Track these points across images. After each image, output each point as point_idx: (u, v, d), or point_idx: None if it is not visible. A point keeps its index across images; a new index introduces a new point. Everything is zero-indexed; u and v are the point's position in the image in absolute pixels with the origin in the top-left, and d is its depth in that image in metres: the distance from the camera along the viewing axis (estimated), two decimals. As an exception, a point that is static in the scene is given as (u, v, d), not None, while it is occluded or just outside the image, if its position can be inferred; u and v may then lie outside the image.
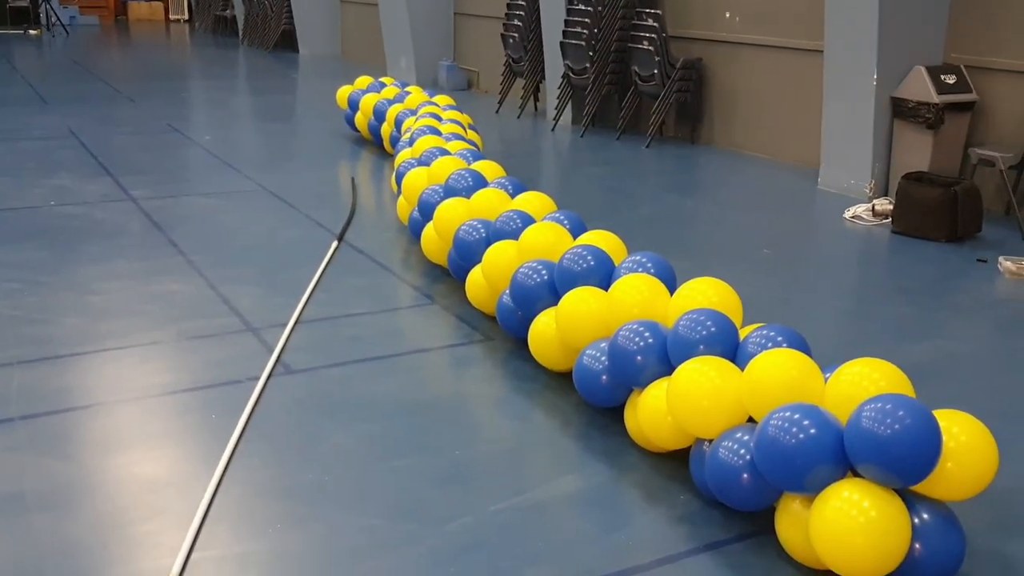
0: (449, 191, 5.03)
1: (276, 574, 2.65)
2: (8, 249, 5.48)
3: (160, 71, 15.20)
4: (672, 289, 3.57)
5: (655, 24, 8.88)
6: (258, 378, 3.84)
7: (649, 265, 3.68)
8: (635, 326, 3.26)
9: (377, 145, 8.57)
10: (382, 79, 9.03)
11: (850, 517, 2.43)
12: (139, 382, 3.83)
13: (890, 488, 2.49)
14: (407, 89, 8.51)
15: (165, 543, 2.77)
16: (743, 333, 3.20)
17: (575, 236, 4.16)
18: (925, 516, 2.51)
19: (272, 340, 4.24)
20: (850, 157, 7.12)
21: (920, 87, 6.64)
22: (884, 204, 6.48)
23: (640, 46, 8.96)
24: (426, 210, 5.09)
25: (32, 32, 20.66)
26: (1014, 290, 5.17)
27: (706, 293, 3.38)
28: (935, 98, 6.56)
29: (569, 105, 9.94)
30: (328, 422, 3.52)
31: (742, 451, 2.73)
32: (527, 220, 4.30)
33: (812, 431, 2.53)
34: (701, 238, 6.34)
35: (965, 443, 2.54)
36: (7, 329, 4.32)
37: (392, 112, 7.94)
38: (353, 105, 8.83)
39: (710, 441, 2.92)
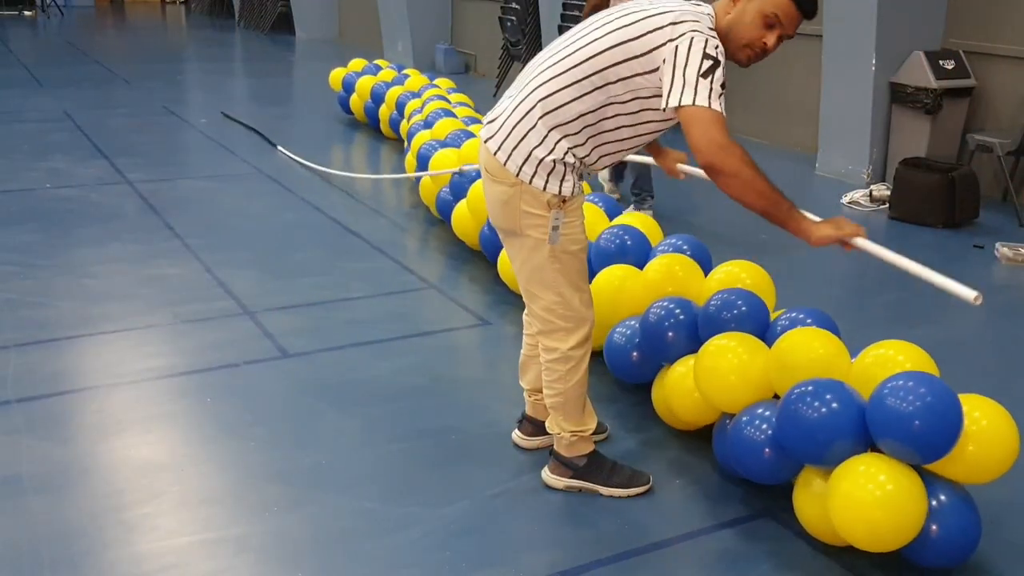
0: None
1: (272, 557, 2.65)
2: (3, 232, 5.46)
3: (156, 53, 15.13)
4: (707, 271, 3.61)
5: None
6: (254, 362, 3.84)
7: (685, 247, 3.70)
8: (667, 303, 3.30)
9: (372, 127, 8.54)
10: (377, 61, 8.99)
11: (867, 491, 2.45)
12: (135, 365, 3.83)
13: (909, 464, 2.50)
14: (405, 72, 8.47)
15: (161, 526, 2.77)
16: (773, 316, 3.22)
17: (611, 219, 4.22)
18: (943, 498, 2.52)
19: (268, 324, 4.24)
20: (848, 142, 7.11)
21: (919, 72, 6.63)
22: (882, 190, 6.47)
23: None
24: (458, 190, 5.15)
25: (27, 13, 20.54)
26: (1011, 276, 5.17)
27: (739, 276, 3.42)
28: (933, 83, 6.55)
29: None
30: (324, 406, 3.52)
31: (764, 426, 2.76)
32: None
33: (835, 405, 2.55)
34: (698, 222, 6.33)
35: (987, 427, 2.54)
36: (3, 312, 4.31)
37: (392, 95, 7.89)
38: (348, 87, 8.79)
39: (732, 416, 2.95)
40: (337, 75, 9.05)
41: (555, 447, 2.99)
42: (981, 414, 2.56)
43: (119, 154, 7.48)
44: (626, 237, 3.84)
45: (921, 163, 6.22)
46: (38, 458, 3.12)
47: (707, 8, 2.58)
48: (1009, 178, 6.32)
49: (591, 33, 2.60)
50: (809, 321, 3.06)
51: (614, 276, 3.64)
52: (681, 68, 2.41)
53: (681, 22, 2.46)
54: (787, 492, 2.89)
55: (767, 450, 2.74)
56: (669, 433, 3.36)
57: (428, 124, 6.47)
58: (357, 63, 9.04)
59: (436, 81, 8.06)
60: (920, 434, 2.43)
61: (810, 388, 2.60)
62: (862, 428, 2.55)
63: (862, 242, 2.53)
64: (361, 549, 2.70)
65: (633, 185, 5.95)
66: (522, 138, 2.61)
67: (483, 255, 5.08)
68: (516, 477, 3.07)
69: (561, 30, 9.60)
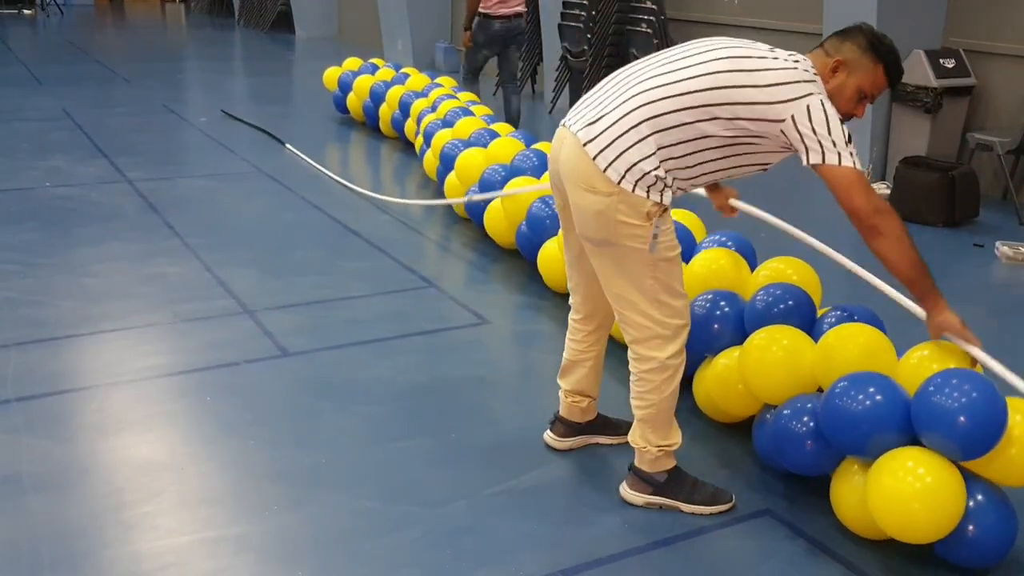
0: (515, 171, 5.14)
1: (272, 556, 2.65)
2: (3, 231, 5.46)
3: (155, 52, 15.11)
4: (752, 267, 3.62)
5: (653, 7, 8.83)
6: (254, 361, 3.83)
7: (729, 243, 3.70)
8: (712, 295, 3.32)
9: (371, 127, 8.53)
10: (372, 60, 8.98)
11: (906, 483, 2.46)
12: (135, 364, 3.83)
13: (950, 459, 2.51)
14: (404, 71, 8.46)
15: (161, 525, 2.77)
16: (820, 313, 3.24)
17: None
18: (980, 498, 2.53)
19: (268, 323, 4.24)
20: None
21: (919, 71, 6.62)
22: (882, 188, 6.47)
23: (638, 28, 8.92)
24: (488, 189, 5.20)
25: (26, 12, 20.52)
26: (1011, 275, 5.17)
27: (785, 272, 3.43)
28: (934, 82, 6.54)
29: (567, 87, 9.90)
30: (324, 405, 3.52)
31: (805, 418, 2.80)
32: None
33: (879, 396, 2.57)
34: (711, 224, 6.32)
35: None
36: (2, 311, 4.31)
37: (393, 94, 7.85)
38: (344, 87, 8.78)
39: (774, 408, 2.98)
40: (332, 74, 9.05)
41: (636, 462, 2.90)
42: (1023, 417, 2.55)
43: (119, 153, 7.47)
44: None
45: (921, 162, 6.21)
46: (38, 457, 3.12)
47: (810, 65, 2.63)
48: (1009, 177, 6.32)
49: (705, 56, 2.61)
50: (856, 317, 3.08)
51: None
52: (824, 128, 2.49)
53: (805, 81, 2.55)
54: (788, 491, 2.90)
55: (809, 442, 2.77)
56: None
57: (448, 123, 6.44)
58: (352, 62, 9.04)
59: (439, 80, 8.04)
60: (964, 430, 2.44)
61: (855, 379, 2.63)
62: (905, 421, 2.56)
63: (975, 350, 2.59)
64: (361, 548, 2.70)
65: None
66: (628, 148, 2.55)
67: (483, 255, 5.09)
68: (516, 476, 3.07)
69: (561, 29, 9.60)
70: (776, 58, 2.60)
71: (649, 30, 8.78)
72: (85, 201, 6.14)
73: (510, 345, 4.08)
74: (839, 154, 2.49)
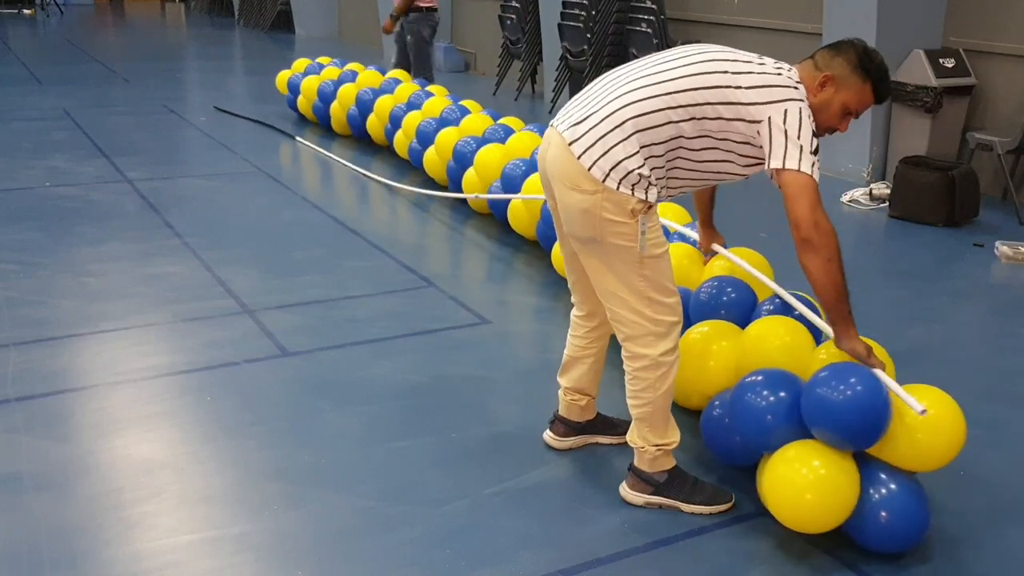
0: (535, 165, 5.16)
1: (272, 555, 2.65)
2: (3, 230, 5.46)
3: (155, 51, 15.11)
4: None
5: (653, 6, 8.83)
6: (254, 360, 3.83)
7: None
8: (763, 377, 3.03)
9: (323, 127, 8.39)
10: (319, 59, 8.92)
11: (800, 474, 2.57)
12: (135, 364, 3.83)
13: (845, 451, 2.61)
14: (390, 76, 8.02)
15: (161, 524, 2.78)
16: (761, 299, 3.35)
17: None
18: (893, 487, 2.60)
19: (268, 322, 4.24)
20: (848, 141, 7.09)
21: (919, 71, 6.62)
22: (881, 188, 6.47)
23: (638, 28, 8.92)
24: (509, 183, 5.25)
25: (26, 12, 20.53)
26: (1010, 274, 5.17)
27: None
28: (934, 82, 6.54)
29: (567, 87, 9.90)
30: (324, 404, 3.52)
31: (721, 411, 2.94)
32: None
33: (772, 397, 2.69)
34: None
35: (935, 415, 2.60)
36: (3, 311, 4.31)
37: (383, 104, 7.45)
38: (326, 96, 8.32)
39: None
40: (284, 77, 8.95)
41: (635, 462, 2.91)
42: (929, 403, 2.60)
43: (119, 152, 7.47)
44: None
45: (921, 161, 6.21)
46: (38, 456, 3.12)
47: (796, 75, 2.67)
48: (1009, 176, 6.32)
49: (690, 59, 2.66)
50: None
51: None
52: (794, 132, 2.52)
53: (788, 86, 2.59)
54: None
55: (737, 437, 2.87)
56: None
57: (455, 121, 6.40)
58: (301, 63, 8.90)
59: (429, 88, 7.55)
60: (847, 423, 2.54)
61: (756, 378, 2.75)
62: (798, 416, 2.66)
63: (879, 372, 2.63)
64: (360, 548, 2.70)
65: None
66: (612, 147, 2.58)
67: (483, 255, 5.10)
68: (515, 476, 3.07)
69: (561, 28, 9.59)
70: (763, 64, 2.65)
71: (649, 30, 8.78)
72: (85, 201, 6.14)
73: (510, 345, 4.09)
74: (800, 160, 2.50)
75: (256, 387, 3.66)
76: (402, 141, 6.97)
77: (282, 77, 9.06)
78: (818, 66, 2.71)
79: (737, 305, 3.29)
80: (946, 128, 6.71)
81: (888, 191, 6.33)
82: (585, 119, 2.64)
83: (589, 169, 2.59)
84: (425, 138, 6.50)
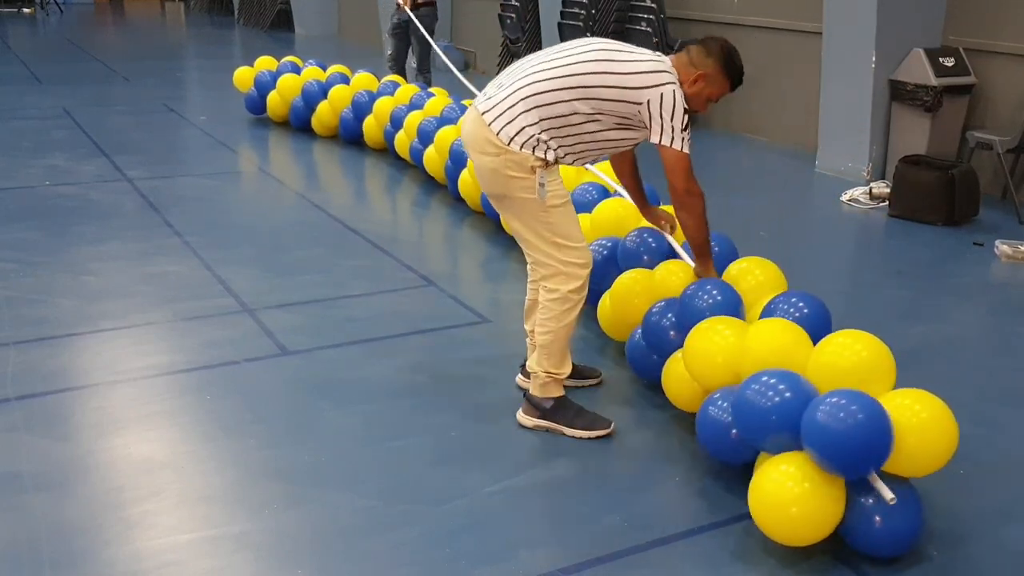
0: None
1: (272, 554, 2.65)
2: (2, 229, 5.46)
3: (155, 51, 15.11)
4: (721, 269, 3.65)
5: (653, 5, 8.83)
6: (254, 359, 3.83)
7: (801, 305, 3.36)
8: (666, 304, 3.45)
9: (297, 127, 8.25)
10: (290, 58, 8.70)
11: (785, 487, 2.57)
12: (134, 363, 3.83)
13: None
14: (388, 79, 7.91)
15: (161, 523, 2.78)
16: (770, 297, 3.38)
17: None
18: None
19: (268, 321, 4.24)
20: (848, 140, 7.10)
21: (919, 70, 6.62)
22: (881, 187, 6.47)
23: (638, 27, 8.92)
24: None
25: (26, 11, 20.52)
26: (1010, 273, 5.17)
27: (754, 271, 3.56)
28: (933, 81, 6.54)
29: (566, 86, 9.89)
30: (324, 403, 3.52)
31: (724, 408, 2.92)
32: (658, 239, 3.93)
33: (777, 398, 2.66)
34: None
35: (926, 420, 2.61)
36: (2, 310, 4.31)
37: (382, 107, 7.36)
38: (312, 96, 8.05)
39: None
40: (244, 74, 8.73)
41: (530, 389, 3.35)
42: (921, 407, 2.61)
43: (118, 151, 7.47)
44: (650, 239, 3.85)
45: (921, 160, 6.21)
46: (38, 455, 3.12)
47: (670, 64, 3.15)
48: (1009, 175, 6.32)
49: (583, 50, 3.14)
50: (801, 305, 3.21)
51: (628, 279, 3.70)
52: (669, 115, 3.07)
53: (663, 71, 3.09)
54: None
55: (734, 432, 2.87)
56: (670, 430, 3.36)
57: (454, 120, 6.35)
58: (265, 61, 8.72)
59: (431, 89, 7.48)
60: (844, 454, 2.51)
61: (763, 378, 2.73)
62: (797, 420, 2.63)
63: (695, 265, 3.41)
64: (360, 547, 2.70)
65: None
66: (516, 117, 3.07)
67: (482, 254, 5.09)
68: (515, 475, 3.07)
69: (561, 27, 9.59)
70: (642, 53, 3.16)
71: (649, 29, 8.78)
72: (85, 200, 6.14)
73: (510, 344, 4.08)
74: (673, 139, 3.08)
75: (256, 386, 3.66)
76: (403, 141, 6.92)
77: (242, 74, 8.74)
78: (693, 63, 3.18)
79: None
80: (946, 127, 6.70)
81: (888, 190, 6.33)
82: (497, 96, 3.14)
83: (497, 134, 3.07)
84: (425, 136, 6.48)
